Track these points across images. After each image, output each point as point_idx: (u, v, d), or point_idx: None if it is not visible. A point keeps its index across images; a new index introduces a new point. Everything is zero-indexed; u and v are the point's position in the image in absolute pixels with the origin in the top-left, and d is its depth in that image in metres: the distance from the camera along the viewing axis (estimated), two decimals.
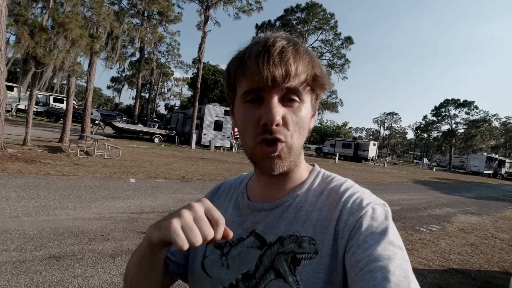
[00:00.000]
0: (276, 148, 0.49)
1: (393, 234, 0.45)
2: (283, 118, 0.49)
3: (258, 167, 0.54)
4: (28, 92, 10.28)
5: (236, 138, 25.68)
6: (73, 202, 4.76)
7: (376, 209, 0.49)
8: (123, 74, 41.41)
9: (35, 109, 12.24)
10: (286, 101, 0.50)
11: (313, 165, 0.63)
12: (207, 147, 20.49)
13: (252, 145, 0.51)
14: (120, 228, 3.90)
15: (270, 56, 0.47)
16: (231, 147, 22.54)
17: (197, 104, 20.84)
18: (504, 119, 62.58)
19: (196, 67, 28.63)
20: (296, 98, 0.50)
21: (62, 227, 3.66)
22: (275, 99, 0.48)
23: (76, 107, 24.43)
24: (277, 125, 0.48)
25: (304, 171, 0.60)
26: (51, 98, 27.22)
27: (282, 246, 0.51)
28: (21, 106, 24.59)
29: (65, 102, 26.99)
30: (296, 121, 0.50)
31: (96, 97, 63.08)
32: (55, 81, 12.28)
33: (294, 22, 27.57)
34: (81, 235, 3.50)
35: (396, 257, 0.41)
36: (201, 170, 10.25)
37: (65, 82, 12.30)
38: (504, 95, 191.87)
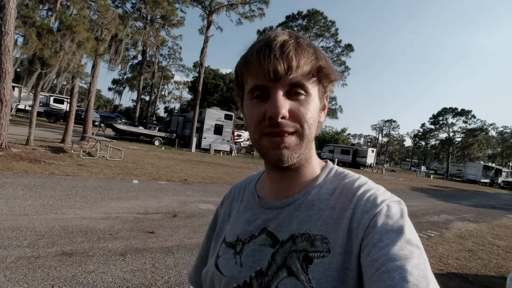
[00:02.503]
0: (284, 139, 0.49)
1: (410, 232, 0.44)
2: (290, 111, 0.49)
3: (267, 159, 0.54)
4: (31, 93, 10.37)
5: (235, 142, 25.78)
6: (80, 202, 4.84)
7: (391, 206, 0.48)
8: (125, 77, 41.57)
9: None
10: (292, 94, 0.50)
11: (326, 161, 0.62)
12: (207, 150, 20.58)
13: (258, 136, 0.51)
14: (127, 227, 3.98)
15: (271, 50, 0.47)
16: (231, 151, 22.64)
17: (197, 107, 20.99)
18: (501, 129, 63.09)
19: (197, 70, 28.85)
20: (302, 91, 0.50)
21: (71, 226, 3.74)
22: (280, 93, 0.48)
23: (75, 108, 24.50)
24: (283, 118, 0.48)
25: (316, 167, 0.59)
26: (51, 98, 27.32)
27: (294, 244, 0.51)
28: (21, 106, 24.67)
29: (65, 103, 27.18)
30: (304, 113, 0.50)
31: (96, 99, 63.10)
32: (55, 81, 12.40)
33: (295, 29, 27.90)
34: (90, 233, 3.59)
35: (414, 256, 0.40)
36: (202, 173, 10.34)
37: (64, 83, 12.35)
38: (501, 104, 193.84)
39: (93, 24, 12.06)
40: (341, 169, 0.60)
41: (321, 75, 0.51)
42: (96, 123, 22.35)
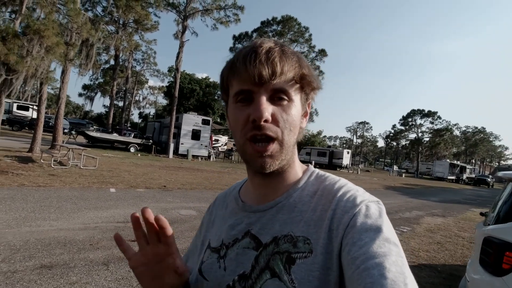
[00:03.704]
0: (267, 148, 0.50)
1: (388, 231, 0.45)
2: (272, 115, 0.50)
3: (250, 165, 0.55)
4: None
5: (213, 147, 25.63)
6: (55, 213, 4.67)
7: (370, 206, 0.49)
8: (97, 82, 40.10)
9: None
10: (275, 99, 0.51)
11: (307, 165, 0.64)
12: (184, 156, 20.30)
13: (242, 142, 0.52)
14: (108, 237, 3.90)
15: (257, 56, 0.49)
16: (209, 156, 22.50)
17: (174, 113, 20.70)
18: (464, 128, 67.65)
19: (173, 75, 28.49)
20: (285, 97, 0.51)
21: (48, 238, 3.62)
22: (263, 97, 0.50)
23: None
24: (266, 121, 0.49)
25: (299, 171, 0.60)
26: (15, 105, 25.76)
27: (277, 246, 0.51)
28: None
29: (30, 109, 25.64)
30: (285, 119, 0.51)
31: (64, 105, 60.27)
32: (20, 88, 11.73)
33: (270, 34, 28.38)
34: (69, 244, 3.49)
35: (392, 254, 0.42)
36: (181, 179, 10.23)
37: (27, 89, 11.67)
38: (463, 105, 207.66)
39: (62, 29, 11.61)
40: (322, 172, 0.61)
41: (304, 83, 0.53)
42: (65, 131, 21.35)
